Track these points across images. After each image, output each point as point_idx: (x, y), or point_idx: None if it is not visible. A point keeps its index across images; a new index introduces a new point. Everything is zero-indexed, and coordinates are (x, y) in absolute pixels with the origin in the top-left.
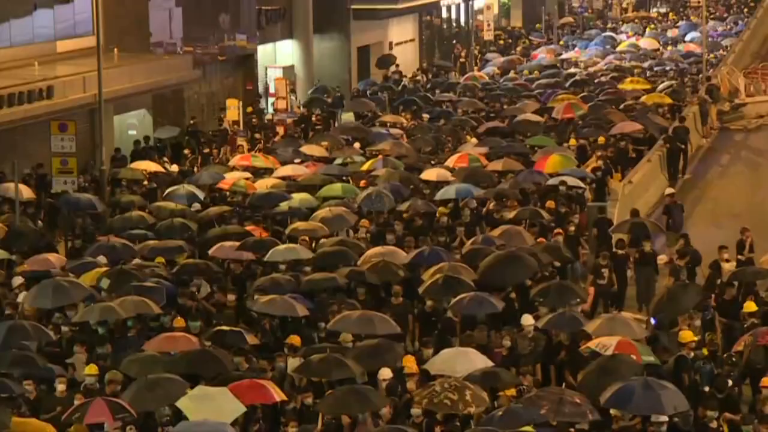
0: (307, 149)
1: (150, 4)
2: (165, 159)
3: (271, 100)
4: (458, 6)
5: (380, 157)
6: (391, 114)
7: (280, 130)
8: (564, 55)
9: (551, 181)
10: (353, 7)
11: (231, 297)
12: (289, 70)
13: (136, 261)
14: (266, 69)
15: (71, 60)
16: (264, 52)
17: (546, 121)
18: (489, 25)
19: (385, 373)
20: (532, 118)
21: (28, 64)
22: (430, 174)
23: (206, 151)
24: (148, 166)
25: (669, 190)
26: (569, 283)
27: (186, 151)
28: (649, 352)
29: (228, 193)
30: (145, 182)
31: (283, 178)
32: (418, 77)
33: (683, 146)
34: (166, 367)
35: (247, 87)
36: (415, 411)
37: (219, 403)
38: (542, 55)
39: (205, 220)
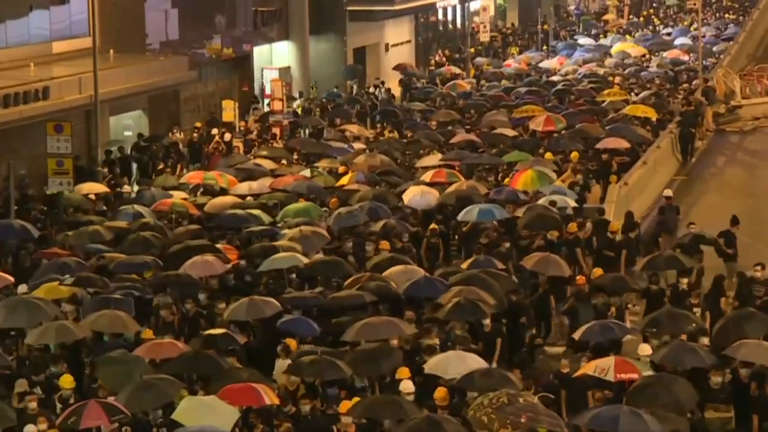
0: (264, 163)
1: (146, 5)
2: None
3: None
4: (454, 8)
5: (356, 171)
6: (357, 125)
7: (276, 131)
8: (543, 63)
9: (541, 201)
10: (349, 8)
11: (222, 305)
12: (285, 72)
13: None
14: (262, 70)
15: (67, 61)
16: (260, 53)
17: (518, 135)
18: (485, 26)
19: (407, 386)
20: (506, 131)
21: (23, 65)
22: (412, 191)
23: (160, 167)
24: (92, 188)
25: (667, 192)
26: (680, 310)
27: (103, 169)
28: (648, 366)
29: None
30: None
31: (242, 196)
32: (372, 88)
33: (693, 130)
34: (156, 370)
35: (243, 88)
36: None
37: (215, 411)
38: (514, 64)
39: (173, 239)
